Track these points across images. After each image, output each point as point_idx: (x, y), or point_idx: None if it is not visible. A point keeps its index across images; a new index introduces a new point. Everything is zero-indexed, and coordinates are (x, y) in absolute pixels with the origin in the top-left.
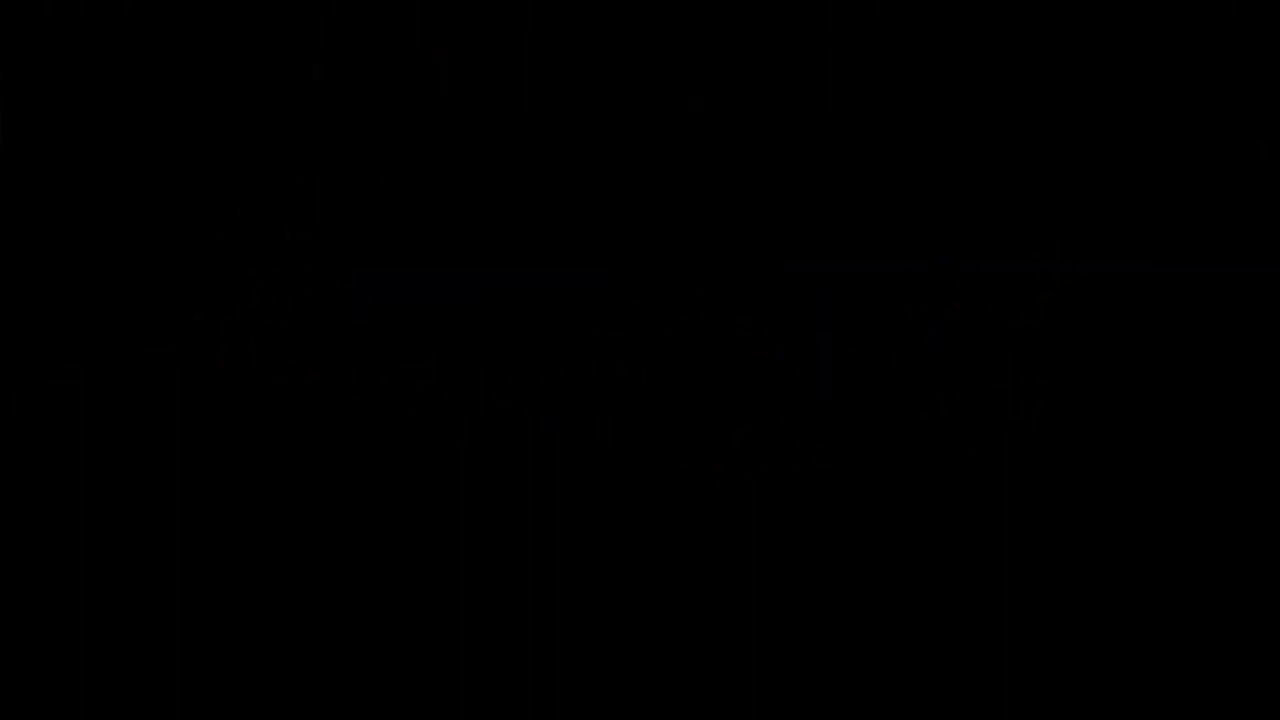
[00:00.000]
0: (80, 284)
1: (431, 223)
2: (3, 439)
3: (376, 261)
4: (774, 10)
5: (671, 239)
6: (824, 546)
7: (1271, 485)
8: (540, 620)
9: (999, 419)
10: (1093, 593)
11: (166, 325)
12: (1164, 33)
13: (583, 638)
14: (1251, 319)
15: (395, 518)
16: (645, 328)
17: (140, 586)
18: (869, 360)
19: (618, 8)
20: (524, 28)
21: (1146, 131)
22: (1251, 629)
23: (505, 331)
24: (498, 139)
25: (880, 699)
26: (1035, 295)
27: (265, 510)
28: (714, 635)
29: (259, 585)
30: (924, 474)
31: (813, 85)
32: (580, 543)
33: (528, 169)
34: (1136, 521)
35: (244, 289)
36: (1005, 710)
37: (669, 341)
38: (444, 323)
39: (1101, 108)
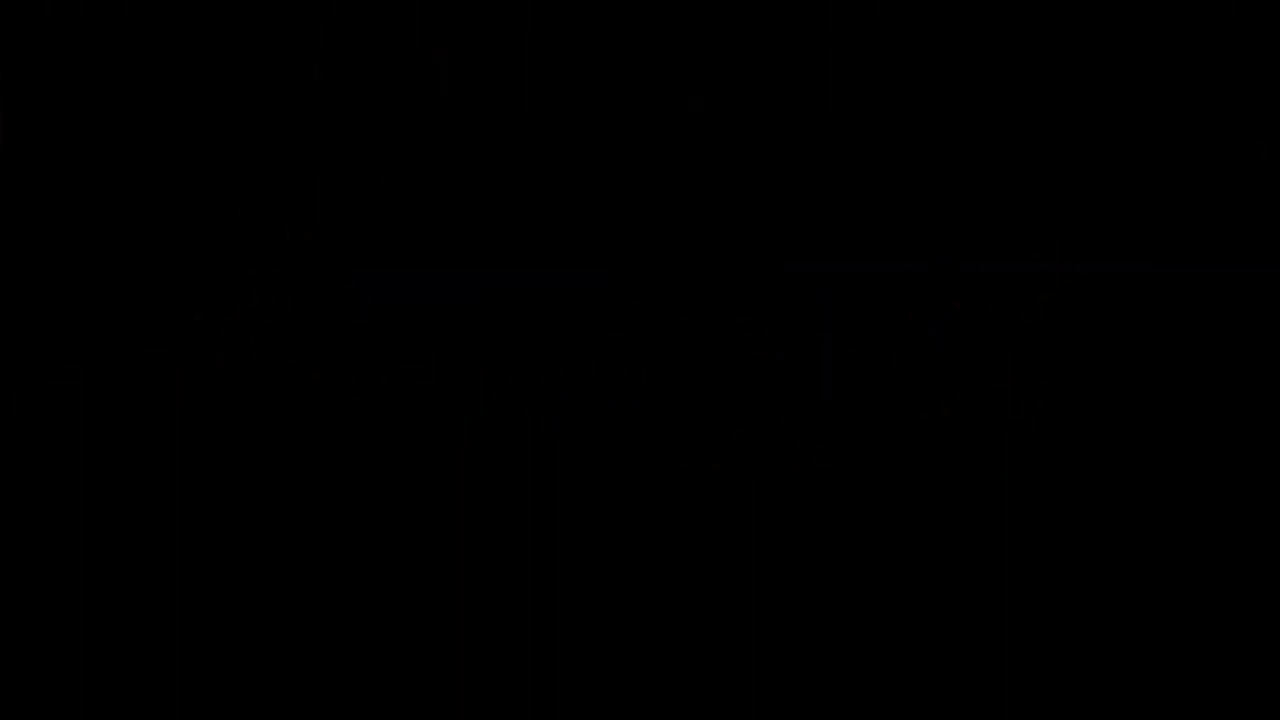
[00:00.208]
0: (80, 284)
1: (431, 223)
2: (3, 439)
3: (376, 261)
4: (774, 10)
5: (671, 239)
6: (824, 546)
7: (1271, 485)
8: (540, 620)
9: (999, 419)
10: (1093, 592)
11: (166, 325)
12: (1164, 33)
13: (583, 638)
14: (1251, 319)
15: (395, 518)
16: (645, 328)
17: (140, 586)
18: (869, 360)
19: (618, 8)
20: (524, 28)
21: (1146, 131)
22: (1251, 629)
23: (505, 331)
24: (498, 139)
25: (880, 699)
26: (1035, 295)
27: (265, 510)
28: (714, 635)
29: (259, 585)
30: (924, 474)
31: (813, 85)
32: (580, 543)
33: (528, 169)
34: (1136, 521)
35: (244, 289)
36: (1005, 710)
37: (669, 341)
38: (444, 323)
39: (1101, 108)
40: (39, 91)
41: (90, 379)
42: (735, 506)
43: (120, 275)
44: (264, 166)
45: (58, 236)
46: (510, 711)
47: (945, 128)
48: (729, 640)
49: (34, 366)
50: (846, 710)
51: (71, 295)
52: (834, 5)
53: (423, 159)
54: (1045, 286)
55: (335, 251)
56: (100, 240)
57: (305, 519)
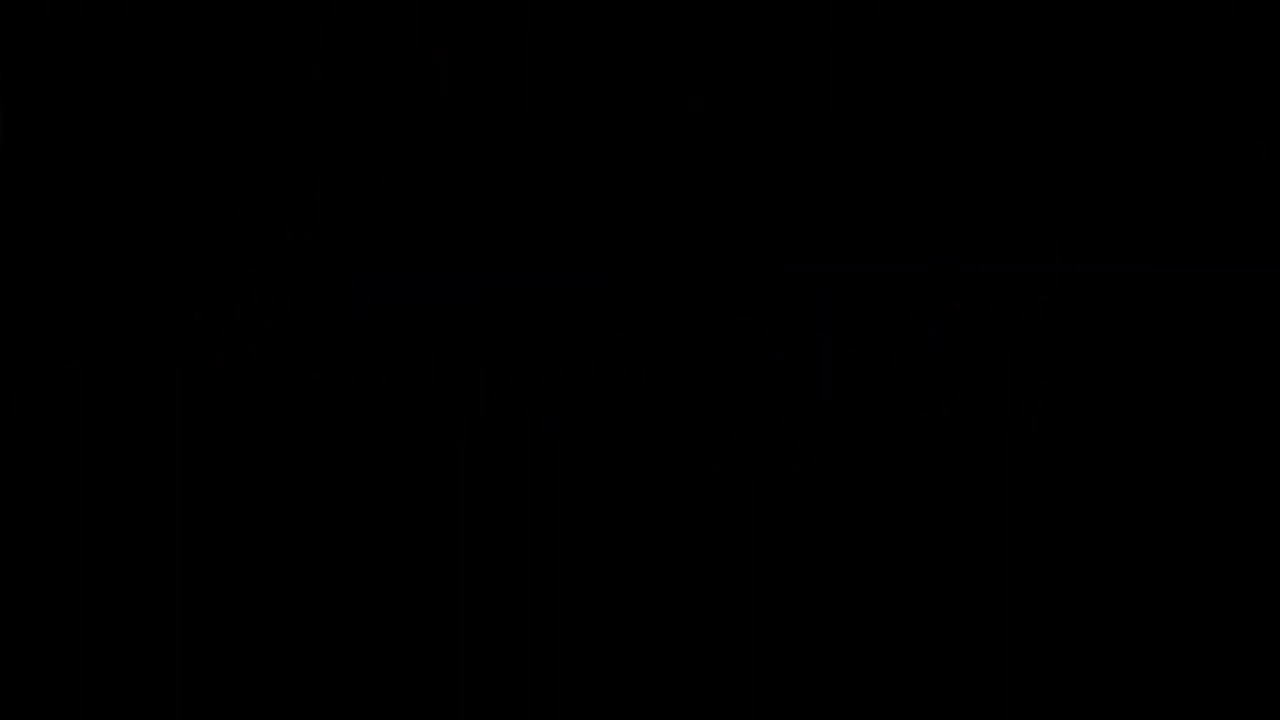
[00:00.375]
0: (80, 284)
1: (431, 223)
2: (3, 439)
3: (376, 261)
4: (774, 10)
5: (671, 239)
6: (824, 546)
7: (1271, 485)
8: (540, 620)
9: (999, 419)
10: (1093, 592)
11: (166, 325)
12: (1164, 33)
13: (583, 638)
14: (1251, 319)
15: (395, 518)
16: (645, 328)
17: (140, 586)
18: (869, 360)
19: (618, 8)
20: (524, 28)
21: (1146, 131)
22: (1251, 629)
23: (505, 331)
24: (498, 139)
25: (880, 699)
26: (1035, 295)
27: (265, 510)
28: (714, 635)
29: (259, 585)
30: (924, 474)
31: (813, 85)
32: (580, 543)
33: (528, 169)
34: (1136, 521)
35: (244, 289)
36: (1005, 710)
37: (669, 341)
38: (444, 323)
39: (1101, 108)
40: (39, 91)
41: (90, 379)
42: (735, 506)
43: (120, 275)
44: (264, 166)
45: (58, 236)
46: (510, 711)
47: (945, 128)
48: (729, 640)
49: (34, 366)
50: (846, 710)
51: (71, 295)
52: (834, 5)
53: (423, 159)
54: (1045, 286)
55: (335, 251)
56: (100, 240)
57: (305, 519)
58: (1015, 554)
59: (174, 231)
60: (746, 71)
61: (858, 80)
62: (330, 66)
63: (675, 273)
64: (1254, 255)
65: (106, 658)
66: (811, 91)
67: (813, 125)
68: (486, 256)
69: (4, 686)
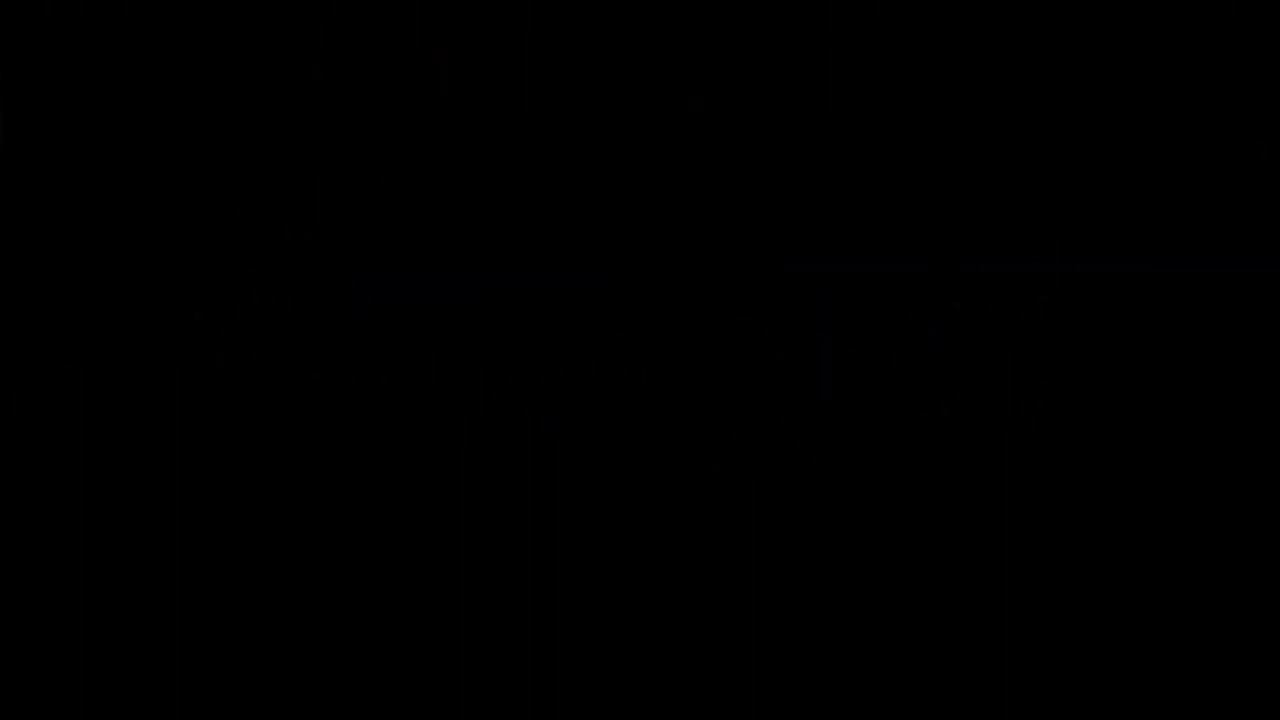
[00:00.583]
0: (80, 284)
1: (431, 223)
2: (3, 439)
3: (376, 261)
4: (774, 10)
5: (671, 239)
6: (824, 546)
7: (1271, 485)
8: (540, 620)
9: (999, 419)
10: (1093, 592)
11: (166, 325)
12: (1164, 33)
13: (583, 638)
14: (1251, 319)
15: (395, 518)
16: (645, 328)
17: (140, 586)
18: (869, 360)
19: (618, 8)
20: (524, 28)
21: (1146, 131)
22: (1251, 629)
23: (505, 331)
24: (498, 139)
25: (880, 699)
26: (1035, 295)
27: (265, 510)
28: (714, 635)
29: (259, 585)
30: (924, 474)
31: (813, 85)
32: (580, 543)
33: (528, 169)
34: (1136, 521)
35: (244, 289)
36: (1005, 710)
37: (669, 341)
38: (444, 323)
39: (1101, 108)
40: (39, 91)
41: (90, 379)
42: (735, 506)
43: (120, 275)
44: (264, 166)
45: (58, 236)
46: (510, 711)
47: (945, 128)
48: (729, 640)
49: (34, 366)
50: (846, 710)
51: (71, 295)
52: (834, 5)
53: (423, 159)
54: (1045, 286)
55: (335, 251)
56: (100, 240)
57: (305, 519)
58: (1015, 554)
59: (174, 231)
60: (746, 71)
61: (858, 80)
62: (330, 66)
63: (675, 273)
64: (1254, 255)
65: (106, 658)
66: (811, 91)
67: (813, 125)
68: (486, 256)
69: (4, 686)
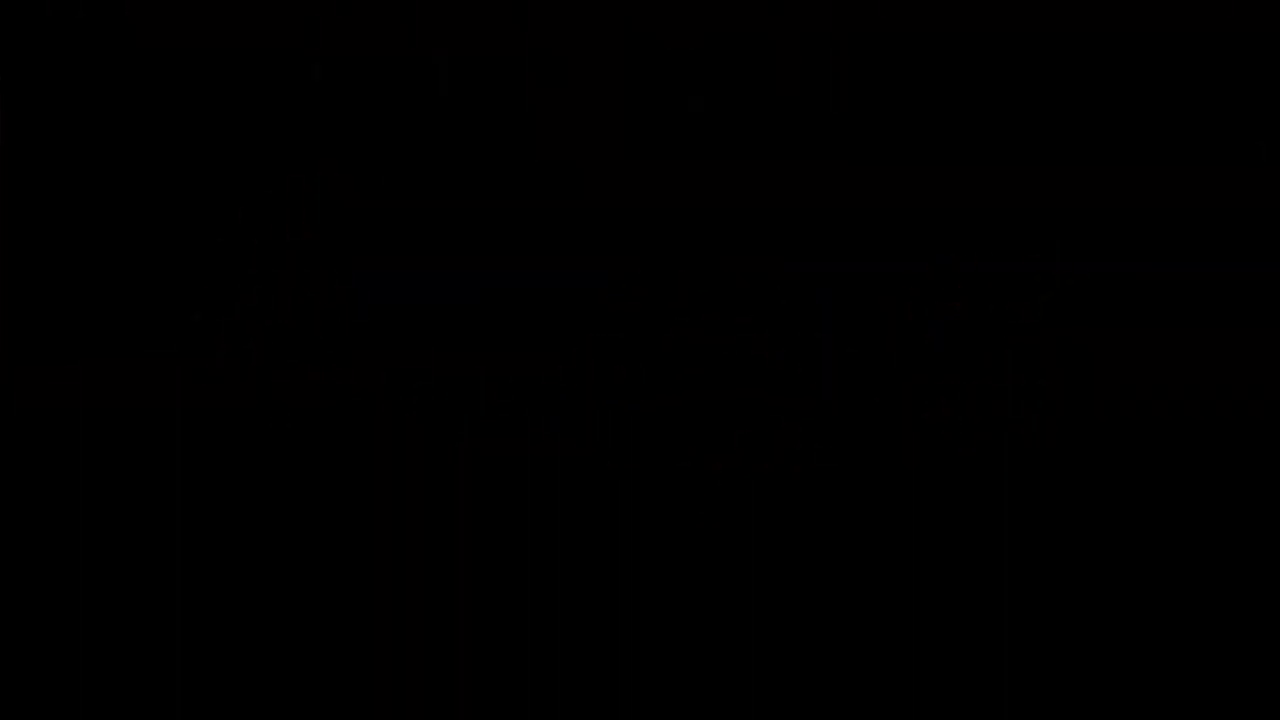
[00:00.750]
0: (80, 284)
1: (431, 223)
2: (3, 439)
3: (376, 261)
4: (774, 10)
5: (671, 239)
6: (824, 546)
7: (1271, 485)
8: (540, 620)
9: (999, 419)
10: (1092, 592)
11: (166, 325)
12: (1164, 33)
13: (583, 638)
14: (1251, 319)
15: (395, 518)
16: (645, 328)
17: (140, 586)
18: (869, 360)
19: (618, 8)
20: (524, 28)
21: (1146, 131)
22: (1251, 629)
23: (505, 331)
24: (498, 139)
25: (880, 699)
26: (1035, 295)
27: (265, 510)
28: (714, 635)
29: (259, 585)
30: (924, 474)
31: (813, 85)
32: (580, 543)
33: (528, 169)
34: (1136, 521)
35: (244, 289)
36: (1005, 710)
37: (669, 341)
38: (444, 323)
39: (1101, 108)
40: (39, 91)
41: (90, 379)
42: (735, 506)
43: (120, 275)
44: (264, 166)
45: (58, 236)
46: (510, 711)
47: (945, 128)
48: (729, 640)
49: (34, 366)
50: (846, 710)
51: (71, 295)
52: (834, 5)
53: (423, 159)
54: (1045, 286)
55: (335, 251)
56: (100, 240)
57: (305, 519)
58: (1015, 554)
59: (174, 231)
60: (746, 71)
61: (858, 80)
62: (330, 66)
63: (675, 273)
64: (1254, 255)
65: (106, 658)
66: (811, 91)
67: (813, 125)
68: (486, 256)
69: (4, 686)
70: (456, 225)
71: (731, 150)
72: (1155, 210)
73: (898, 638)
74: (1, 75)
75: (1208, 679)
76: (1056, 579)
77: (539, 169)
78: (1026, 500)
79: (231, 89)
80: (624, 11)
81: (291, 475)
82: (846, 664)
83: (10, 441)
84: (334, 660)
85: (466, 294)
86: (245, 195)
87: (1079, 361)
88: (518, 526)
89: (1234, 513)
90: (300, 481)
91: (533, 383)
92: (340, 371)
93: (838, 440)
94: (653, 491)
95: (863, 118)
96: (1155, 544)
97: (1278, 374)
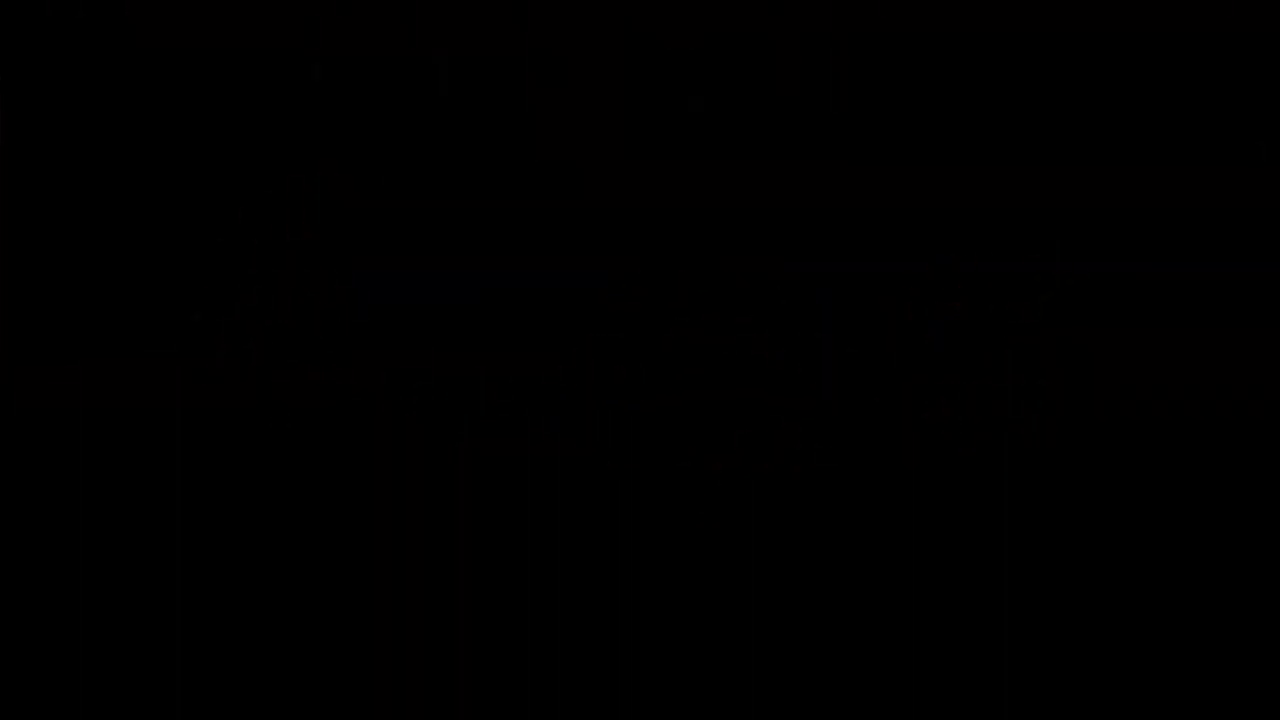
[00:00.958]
0: (80, 284)
1: (431, 223)
2: (3, 439)
3: (376, 261)
4: (774, 10)
5: (671, 239)
6: (824, 546)
7: (1271, 485)
8: (540, 620)
9: (999, 419)
10: (1093, 592)
11: (166, 325)
12: (1164, 33)
13: (583, 638)
14: (1251, 319)
15: (395, 518)
16: (645, 328)
17: (140, 586)
18: (869, 360)
19: (618, 8)
20: (524, 28)
21: (1146, 131)
22: (1251, 629)
23: (505, 331)
24: (498, 139)
25: (880, 699)
26: (1035, 295)
27: (265, 510)
28: (714, 635)
29: (259, 585)
30: (924, 474)
31: (813, 85)
32: (580, 543)
33: (528, 169)
34: (1136, 521)
35: (244, 289)
36: (1005, 710)
37: (669, 341)
38: (444, 323)
39: (1101, 108)
40: (39, 91)
41: (90, 379)
42: (735, 506)
43: (120, 275)
44: (264, 166)
45: (58, 236)
46: (510, 711)
47: (945, 128)
48: (729, 640)
49: (34, 366)
50: (847, 710)
51: (71, 295)
52: (834, 5)
53: (423, 159)
54: (1045, 286)
55: (335, 251)
56: (100, 240)
57: (305, 519)
58: (1015, 554)
59: (174, 231)
60: (746, 71)
61: (858, 80)
62: (330, 66)
63: (675, 273)
64: (1254, 255)
65: (106, 658)
66: (811, 91)
67: (813, 125)
68: (486, 256)
69: (4, 686)
70: (456, 225)
71: (731, 150)
72: (1155, 210)
73: (898, 637)
74: (1, 75)
75: (1208, 679)
76: (1056, 579)
77: (539, 169)
78: (1026, 500)
79: (231, 89)
80: (624, 11)
81: (291, 475)
82: (846, 664)
83: (10, 441)
84: (334, 660)
85: (466, 294)
86: (245, 195)
87: (1079, 361)
88: (518, 526)
89: (1234, 513)
90: (300, 481)
91: (533, 383)
92: (340, 371)
93: (838, 440)
94: (653, 491)
95: (863, 118)
96: (1155, 544)
97: (1278, 374)
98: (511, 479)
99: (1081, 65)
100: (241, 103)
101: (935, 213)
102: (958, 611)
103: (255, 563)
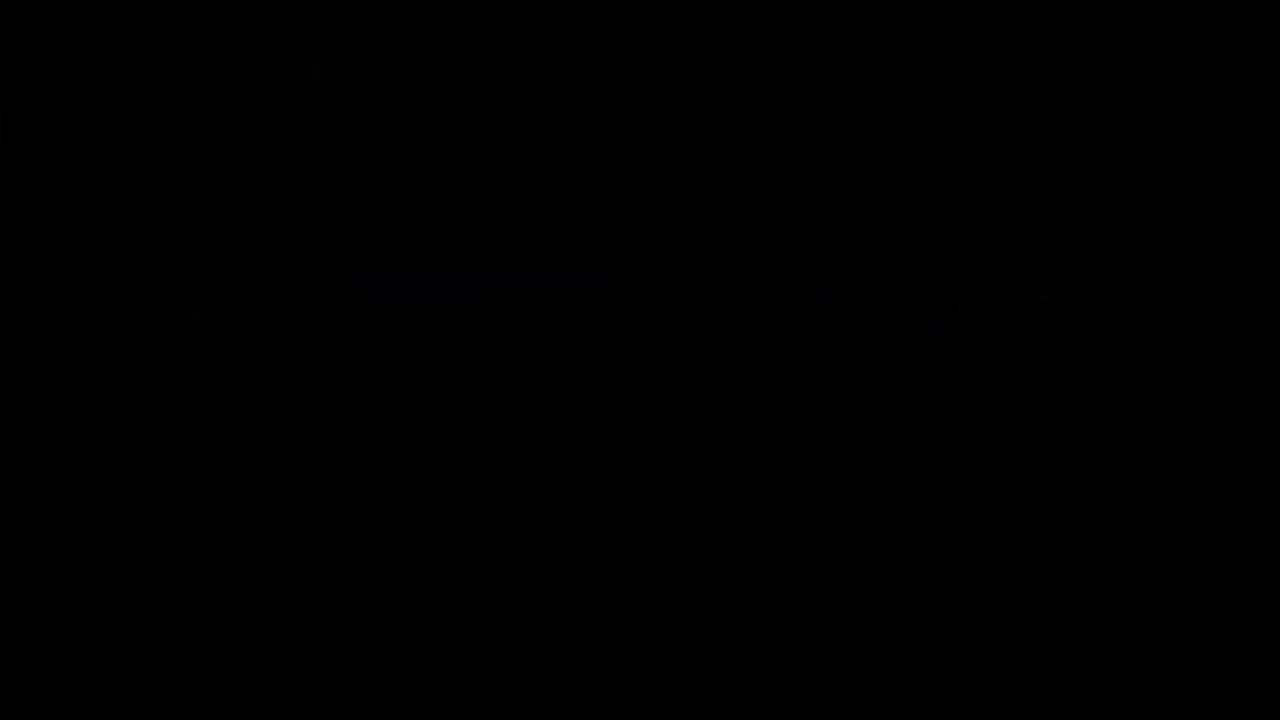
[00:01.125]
0: (80, 284)
1: (431, 223)
2: (3, 439)
3: (376, 261)
4: (774, 10)
5: (671, 239)
6: (824, 546)
7: (1271, 485)
8: (540, 620)
9: (999, 419)
10: (1092, 592)
11: (166, 325)
12: (1164, 33)
13: (583, 638)
14: (1251, 319)
15: (395, 518)
16: (645, 328)
17: (140, 586)
18: (869, 360)
19: (618, 8)
20: (524, 28)
21: (1146, 131)
22: (1251, 629)
23: (505, 331)
24: (498, 139)
25: (880, 699)
26: (1035, 295)
27: (265, 510)
28: (714, 635)
29: (259, 585)
30: (924, 474)
31: (813, 85)
32: (580, 543)
33: (528, 169)
34: (1136, 521)
35: (244, 289)
36: (1005, 710)
37: (669, 341)
38: (444, 323)
39: (1101, 108)
40: (39, 91)
41: (90, 379)
42: (735, 506)
43: (120, 275)
44: (264, 166)
45: (58, 236)
46: (510, 711)
47: (945, 128)
48: (729, 640)
49: (34, 366)
50: (847, 710)
51: (71, 295)
52: (834, 5)
53: (423, 159)
54: (1045, 286)
55: (335, 251)
56: (100, 240)
57: (305, 519)
58: (1015, 554)
59: (174, 231)
60: (746, 71)
61: (858, 80)
62: (330, 66)
63: (675, 273)
64: (1254, 255)
65: (106, 658)
66: (811, 91)
67: (813, 125)
68: (486, 256)
69: (4, 686)
70: (456, 225)
71: (731, 150)
72: (1155, 210)
73: (898, 637)
74: (1, 75)
75: (1208, 679)
76: (1056, 579)
77: (539, 169)
78: (1026, 500)
79: (231, 89)
80: (624, 11)
81: (291, 475)
82: (846, 664)
83: (10, 441)
84: (334, 660)
85: (466, 294)
86: (245, 195)
87: (1079, 361)
88: (518, 526)
89: (1234, 513)
90: (300, 481)
91: (533, 383)
92: (340, 371)
93: (838, 440)
94: (653, 491)
95: (863, 118)
96: (1155, 544)
97: (1278, 374)
98: (511, 479)
99: (1081, 65)
100: (241, 103)
101: (935, 213)
102: (958, 611)
103: (255, 563)
